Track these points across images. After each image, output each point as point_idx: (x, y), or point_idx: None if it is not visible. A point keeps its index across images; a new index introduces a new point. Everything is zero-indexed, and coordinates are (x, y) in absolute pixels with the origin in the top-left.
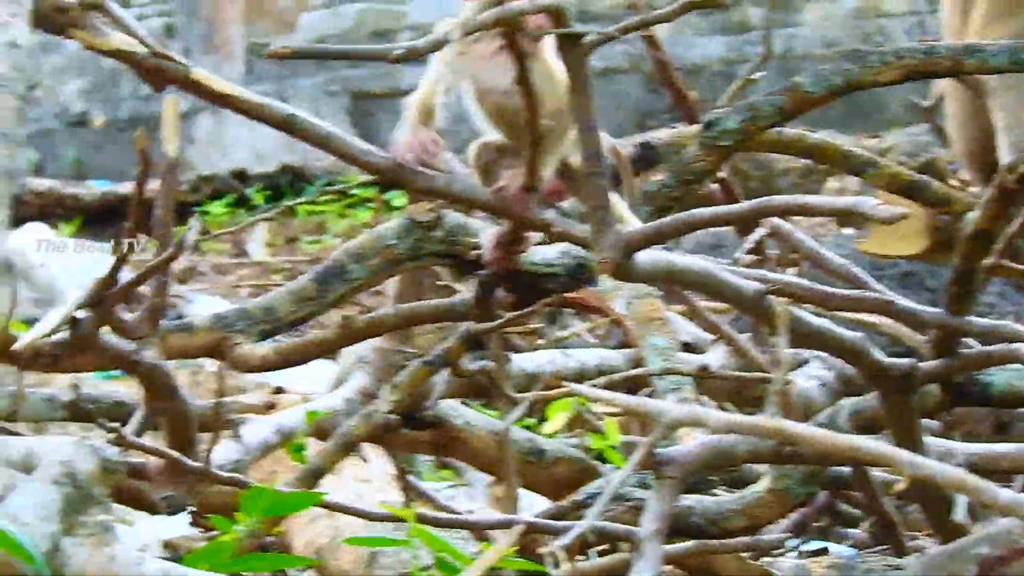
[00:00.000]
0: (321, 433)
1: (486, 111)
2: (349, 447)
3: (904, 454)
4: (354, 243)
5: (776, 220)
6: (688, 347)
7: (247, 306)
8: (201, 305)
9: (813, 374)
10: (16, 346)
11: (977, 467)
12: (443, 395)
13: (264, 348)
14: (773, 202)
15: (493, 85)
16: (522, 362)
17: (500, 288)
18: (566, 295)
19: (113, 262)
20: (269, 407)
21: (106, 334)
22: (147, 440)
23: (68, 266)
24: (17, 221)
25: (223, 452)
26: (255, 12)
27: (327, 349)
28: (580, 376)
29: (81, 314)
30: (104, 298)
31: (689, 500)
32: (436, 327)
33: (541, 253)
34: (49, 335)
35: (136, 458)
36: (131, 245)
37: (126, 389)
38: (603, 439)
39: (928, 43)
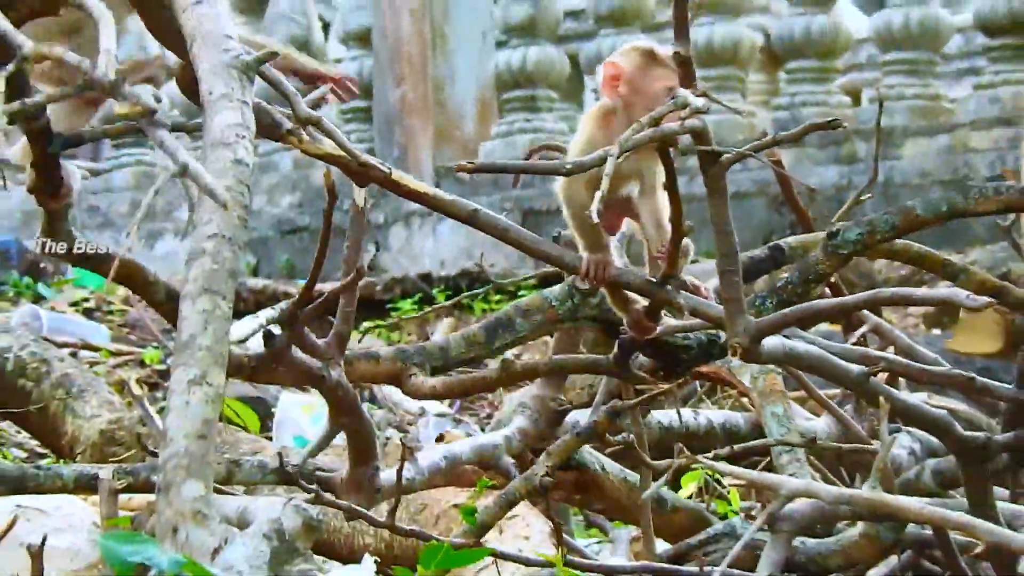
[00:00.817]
0: (485, 464)
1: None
2: (512, 504)
3: (983, 524)
4: (523, 300)
5: (876, 319)
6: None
7: (425, 344)
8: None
9: (904, 444)
10: (232, 335)
11: None
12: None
13: (434, 380)
14: (883, 293)
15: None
16: (659, 416)
17: (641, 353)
18: (701, 370)
19: (301, 292)
20: (439, 439)
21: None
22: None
23: None
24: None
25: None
26: (442, 140)
27: (487, 387)
28: (708, 433)
29: (276, 331)
30: (296, 318)
31: (796, 542)
32: (586, 384)
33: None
34: (243, 341)
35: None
36: (319, 268)
37: (323, 458)
38: (727, 504)
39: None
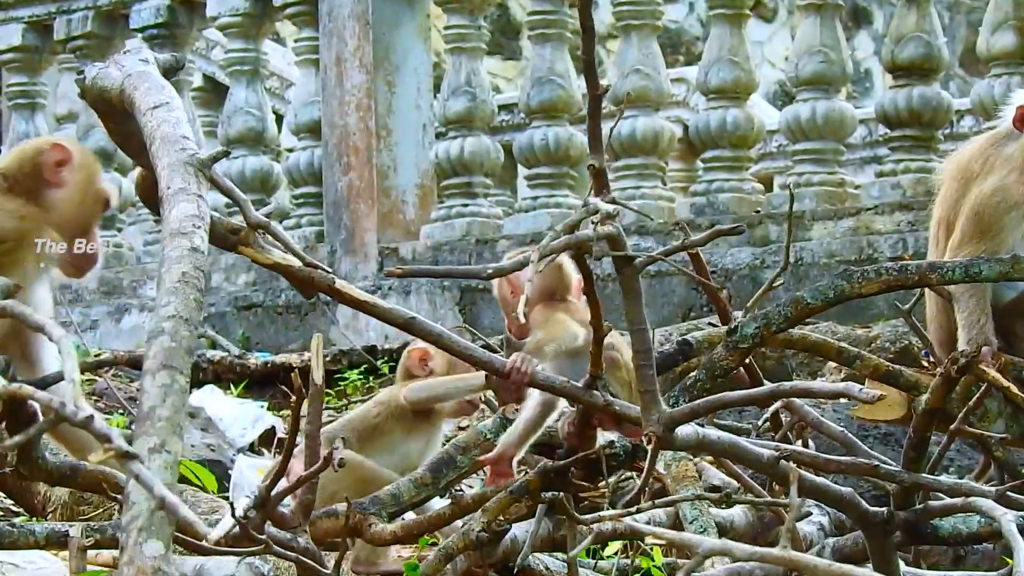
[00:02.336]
0: None
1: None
2: (450, 558)
3: None
4: (460, 438)
5: None
6: (716, 488)
7: (378, 494)
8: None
9: (814, 520)
10: (211, 536)
11: None
12: (528, 552)
13: (394, 525)
14: (783, 387)
15: None
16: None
17: (573, 468)
18: None
19: (272, 476)
20: None
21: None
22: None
23: (237, 417)
24: (198, 383)
25: None
26: (386, 223)
27: (443, 523)
28: (633, 531)
29: (251, 513)
30: (267, 501)
31: None
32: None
33: (605, 437)
34: (225, 535)
35: None
36: (287, 458)
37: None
38: (650, 560)
39: (902, 263)
